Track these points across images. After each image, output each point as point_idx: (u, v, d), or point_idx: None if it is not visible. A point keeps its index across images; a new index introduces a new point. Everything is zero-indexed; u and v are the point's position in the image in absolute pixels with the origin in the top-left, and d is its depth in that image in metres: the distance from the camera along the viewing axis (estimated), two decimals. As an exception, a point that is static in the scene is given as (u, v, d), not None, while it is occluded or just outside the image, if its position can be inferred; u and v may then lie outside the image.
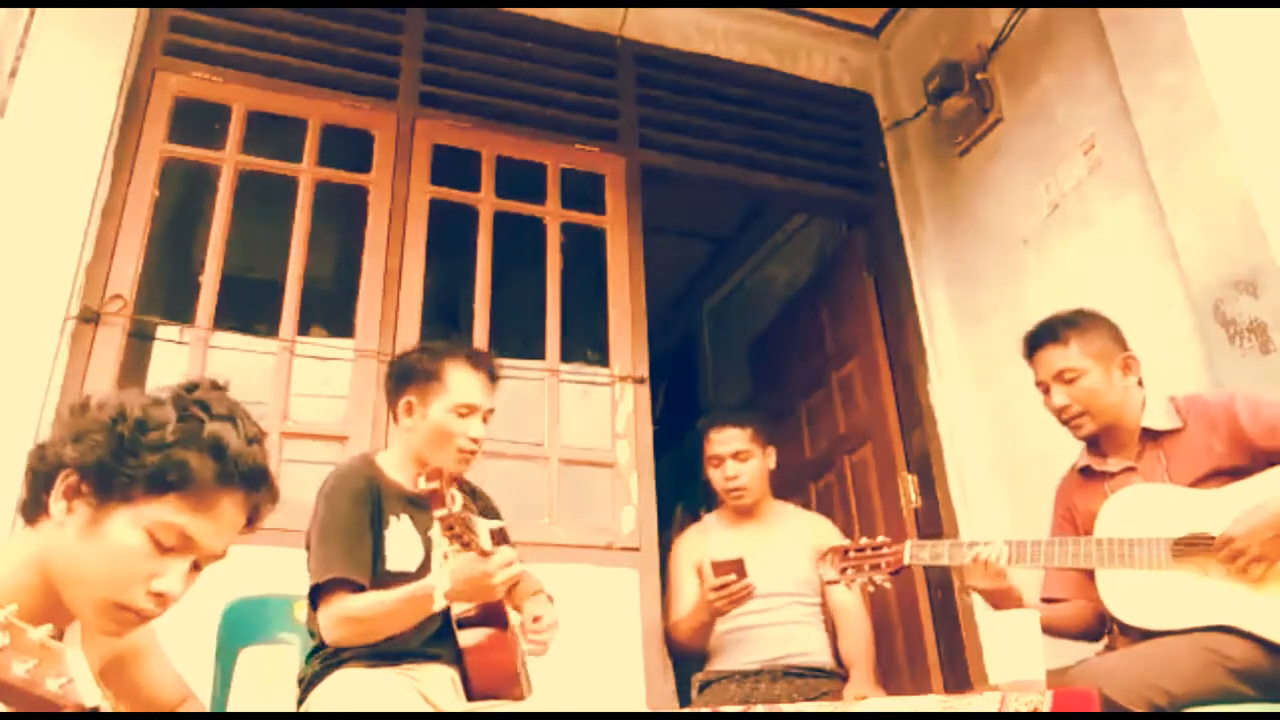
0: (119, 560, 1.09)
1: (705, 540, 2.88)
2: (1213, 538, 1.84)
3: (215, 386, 1.20)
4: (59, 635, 0.81)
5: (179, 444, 1.10)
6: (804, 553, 2.79)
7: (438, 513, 1.69)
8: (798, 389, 4.04)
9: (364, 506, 1.96)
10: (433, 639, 1.91)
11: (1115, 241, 2.89)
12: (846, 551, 2.17)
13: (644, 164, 3.54)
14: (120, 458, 1.10)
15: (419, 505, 2.02)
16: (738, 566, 2.50)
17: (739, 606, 2.55)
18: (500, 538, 1.82)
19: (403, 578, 1.90)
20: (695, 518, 3.47)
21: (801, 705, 2.29)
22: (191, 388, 1.18)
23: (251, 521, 1.20)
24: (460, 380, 2.08)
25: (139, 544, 1.09)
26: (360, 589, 1.86)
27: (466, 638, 1.93)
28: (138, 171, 2.90)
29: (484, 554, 1.75)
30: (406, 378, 2.12)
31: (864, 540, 2.18)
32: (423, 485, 1.71)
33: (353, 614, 1.83)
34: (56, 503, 1.11)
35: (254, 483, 1.16)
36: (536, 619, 2.04)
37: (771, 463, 2.93)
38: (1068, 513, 2.21)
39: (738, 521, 2.90)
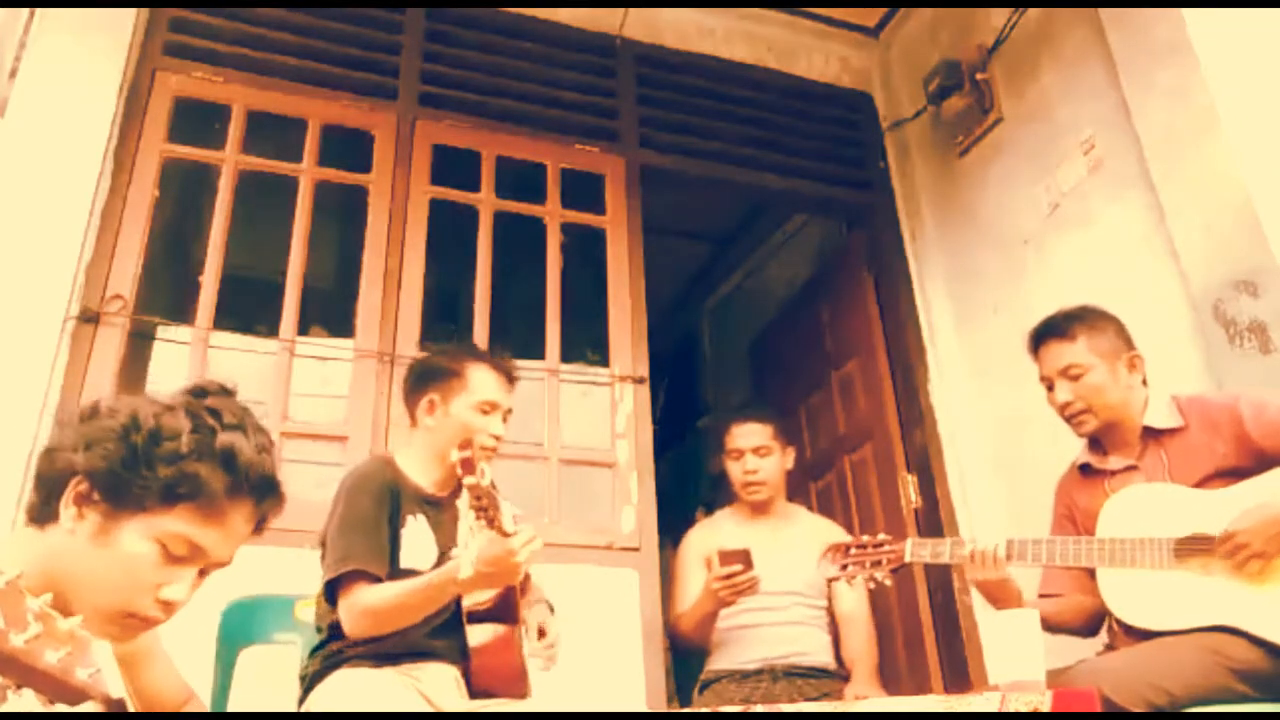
0: (129, 569, 1.09)
1: (716, 535, 2.88)
2: (1214, 538, 1.84)
3: (224, 391, 1.20)
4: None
5: (192, 455, 1.10)
6: (814, 555, 2.78)
7: (467, 480, 1.66)
8: (798, 389, 4.04)
9: (383, 503, 1.97)
10: (437, 632, 1.92)
11: (1115, 241, 2.89)
12: (848, 548, 2.18)
13: (644, 164, 3.54)
14: (134, 468, 1.09)
15: (435, 506, 2.05)
16: (744, 557, 2.51)
17: (744, 598, 2.55)
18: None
19: (415, 576, 1.91)
20: (693, 518, 3.47)
21: (801, 705, 2.29)
22: (201, 393, 1.18)
23: (258, 528, 1.21)
24: (482, 379, 2.11)
25: (149, 553, 1.10)
26: (378, 581, 1.87)
27: (476, 634, 1.93)
28: (138, 171, 2.90)
29: (505, 534, 1.75)
30: (428, 377, 2.15)
31: (865, 537, 2.19)
32: (455, 455, 1.69)
33: (373, 605, 1.84)
34: (67, 509, 1.11)
35: (263, 492, 1.17)
36: (542, 634, 2.06)
37: (789, 463, 2.94)
38: (1067, 510, 2.21)
39: (750, 518, 2.90)
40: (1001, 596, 2.02)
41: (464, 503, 1.72)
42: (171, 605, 1.12)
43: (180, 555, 1.11)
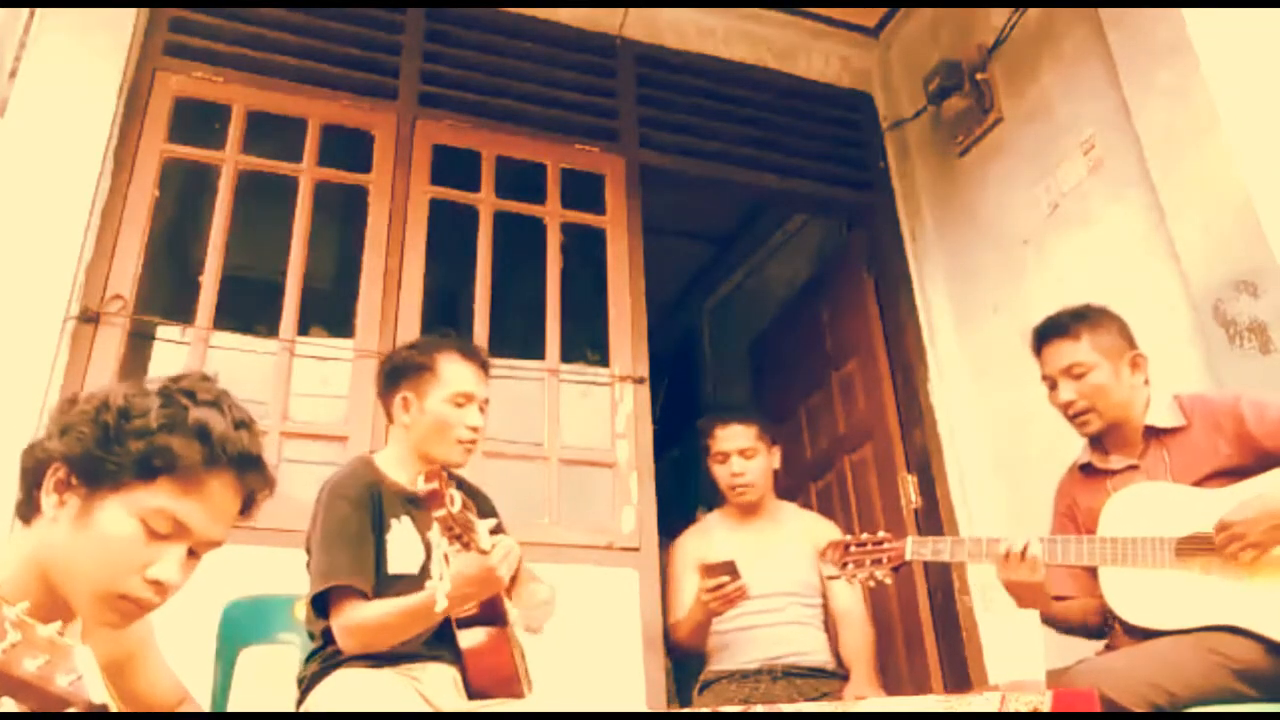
0: (113, 549, 1.09)
1: (706, 540, 2.88)
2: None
3: (203, 378, 1.20)
4: (60, 634, 0.81)
5: (163, 429, 1.10)
6: (806, 553, 2.79)
7: (436, 513, 1.67)
8: (798, 389, 4.04)
9: (365, 510, 1.95)
10: (433, 639, 1.91)
11: (1115, 241, 2.89)
12: (848, 546, 2.17)
13: (644, 164, 3.54)
14: (106, 446, 1.09)
15: (419, 505, 2.01)
16: (729, 568, 2.51)
17: (734, 607, 2.56)
18: (497, 532, 1.82)
19: (404, 580, 1.90)
20: (693, 518, 3.47)
21: (801, 705, 2.29)
22: (178, 379, 1.18)
23: (247, 508, 1.20)
24: (454, 370, 2.08)
25: (132, 532, 1.09)
26: (364, 596, 1.86)
27: (466, 638, 1.93)
28: (138, 171, 2.90)
29: (483, 553, 1.75)
30: (399, 374, 2.11)
31: (865, 535, 2.17)
32: (421, 486, 1.70)
33: (358, 625, 1.83)
34: (47, 497, 1.11)
35: (244, 466, 1.16)
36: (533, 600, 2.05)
37: (776, 462, 2.93)
38: (1069, 510, 2.21)
39: (740, 520, 2.90)
40: (1030, 598, 1.99)
41: (435, 534, 1.71)
42: (163, 586, 1.11)
43: (164, 532, 1.11)
